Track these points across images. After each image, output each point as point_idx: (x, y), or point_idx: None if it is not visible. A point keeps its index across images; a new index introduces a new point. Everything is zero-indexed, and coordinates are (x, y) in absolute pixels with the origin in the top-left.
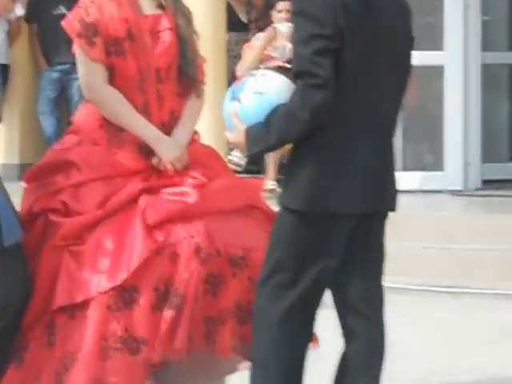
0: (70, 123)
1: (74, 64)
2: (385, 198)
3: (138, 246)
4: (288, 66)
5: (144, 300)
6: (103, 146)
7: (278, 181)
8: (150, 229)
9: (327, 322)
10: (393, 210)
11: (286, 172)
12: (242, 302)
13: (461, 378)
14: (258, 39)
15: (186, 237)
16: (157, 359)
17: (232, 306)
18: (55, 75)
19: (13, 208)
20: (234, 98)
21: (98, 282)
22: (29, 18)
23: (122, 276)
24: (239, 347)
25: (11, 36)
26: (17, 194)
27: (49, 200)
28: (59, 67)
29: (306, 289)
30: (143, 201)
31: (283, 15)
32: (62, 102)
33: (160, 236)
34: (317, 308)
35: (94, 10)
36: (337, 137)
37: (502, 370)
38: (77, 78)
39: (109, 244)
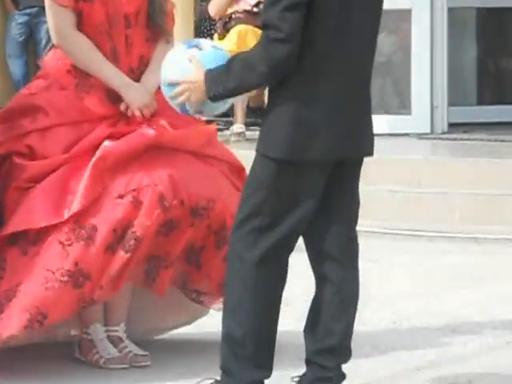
0: (38, 66)
1: (42, 7)
2: (361, 144)
3: (81, 189)
4: (255, 10)
5: (100, 239)
6: (71, 91)
7: (246, 124)
8: (98, 172)
9: (297, 267)
10: (370, 155)
11: (263, 120)
12: (194, 244)
13: (431, 323)
14: None
15: (150, 184)
16: (98, 298)
17: (180, 253)
18: (23, 18)
19: None
20: (190, 47)
21: (49, 215)
22: None
23: (66, 214)
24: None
25: None
26: None
27: (15, 143)
28: (27, 10)
29: (282, 234)
30: (104, 146)
31: None
32: (30, 45)
33: (108, 178)
34: (291, 253)
35: None
36: (312, 86)
37: (472, 314)
38: (45, 22)
39: (65, 182)
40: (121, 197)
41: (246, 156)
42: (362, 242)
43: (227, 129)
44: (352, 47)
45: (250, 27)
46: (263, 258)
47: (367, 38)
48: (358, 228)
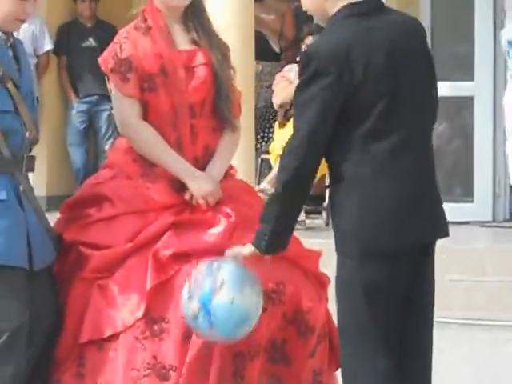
0: (97, 154)
1: (101, 96)
2: (436, 225)
3: (148, 283)
4: None
5: (173, 329)
6: (136, 180)
7: (306, 212)
8: (160, 262)
9: None
10: (445, 235)
11: (332, 215)
12: (275, 339)
13: None
14: (291, 70)
15: None
16: None
17: (264, 341)
18: (83, 107)
19: (47, 232)
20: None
21: (124, 315)
22: (58, 50)
23: (142, 309)
24: None
25: (39, 70)
26: None
27: (81, 232)
28: (87, 99)
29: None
30: (166, 235)
31: None
32: (91, 134)
33: (172, 270)
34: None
35: (128, 46)
36: (375, 181)
37: None
38: (105, 110)
39: (134, 277)
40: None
41: (305, 245)
42: None
43: None
44: (410, 136)
45: None
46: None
47: (426, 121)
48: None
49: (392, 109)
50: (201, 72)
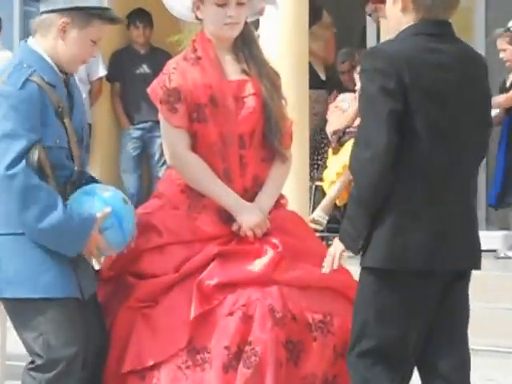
0: (151, 180)
1: (155, 122)
2: (463, 256)
3: (191, 312)
4: None
5: (215, 360)
6: (183, 211)
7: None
8: (204, 292)
9: None
10: (475, 268)
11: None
12: (327, 376)
13: None
14: (344, 100)
15: (259, 298)
16: None
17: (317, 372)
18: (137, 133)
19: (89, 262)
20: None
21: (167, 345)
22: (111, 77)
23: (185, 338)
24: None
25: (92, 96)
26: None
27: (129, 261)
28: (141, 125)
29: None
30: (211, 265)
31: None
32: (144, 160)
33: (216, 299)
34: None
35: (177, 76)
36: (412, 201)
37: None
38: (158, 136)
39: (178, 307)
40: (231, 314)
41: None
42: (478, 360)
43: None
44: (454, 160)
45: None
46: None
47: (471, 151)
48: (474, 346)
49: (431, 135)
50: (250, 102)
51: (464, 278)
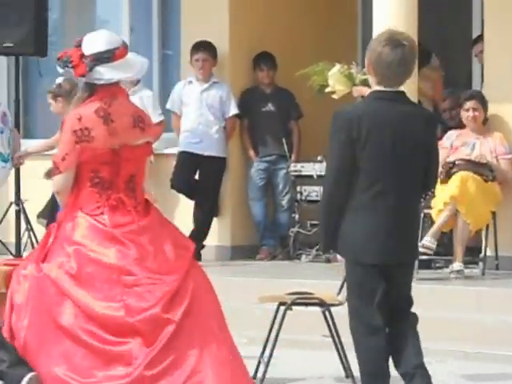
0: (276, 208)
1: (279, 155)
2: (398, 252)
3: None
4: (475, 159)
5: None
6: None
7: (466, 262)
8: None
9: None
10: (407, 262)
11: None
12: None
13: None
14: (449, 138)
15: None
16: None
17: None
18: (263, 165)
19: None
20: None
21: None
22: (241, 114)
23: None
24: None
25: (227, 132)
26: (228, 272)
27: None
28: (266, 158)
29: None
30: None
31: (470, 113)
32: (269, 189)
33: None
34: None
35: None
36: (358, 212)
37: None
38: (281, 168)
39: None
40: None
41: (462, 292)
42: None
43: (446, 267)
44: (389, 183)
45: (471, 174)
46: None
47: (412, 173)
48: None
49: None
50: None
51: (401, 267)
